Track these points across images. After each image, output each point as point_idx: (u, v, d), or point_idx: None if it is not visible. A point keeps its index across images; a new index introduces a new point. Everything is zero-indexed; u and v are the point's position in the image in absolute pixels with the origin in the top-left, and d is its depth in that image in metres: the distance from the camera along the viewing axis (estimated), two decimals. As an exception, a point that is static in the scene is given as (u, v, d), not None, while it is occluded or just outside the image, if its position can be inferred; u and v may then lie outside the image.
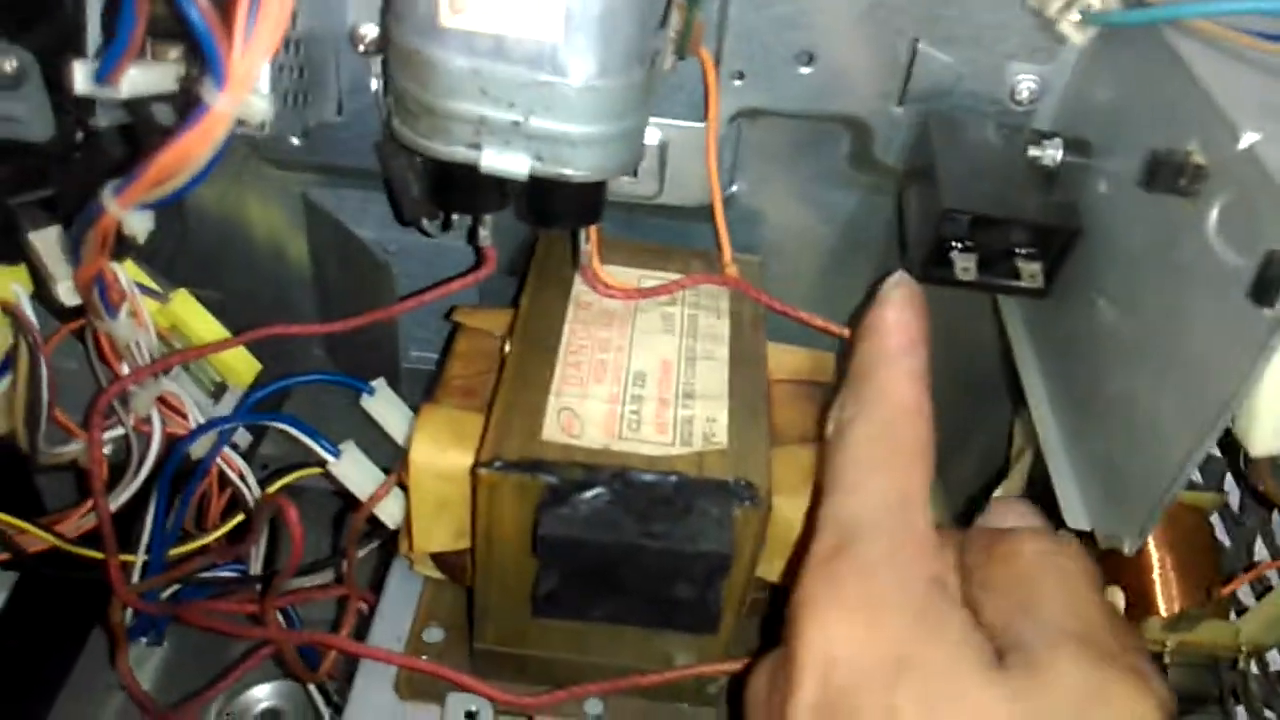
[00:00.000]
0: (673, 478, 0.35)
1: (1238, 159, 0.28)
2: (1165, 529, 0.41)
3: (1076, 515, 0.34)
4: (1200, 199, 0.30)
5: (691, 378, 0.40)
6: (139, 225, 0.33)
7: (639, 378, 0.39)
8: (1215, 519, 0.44)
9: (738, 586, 0.36)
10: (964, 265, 0.38)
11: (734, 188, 0.47)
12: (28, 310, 0.39)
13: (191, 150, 0.29)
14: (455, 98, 0.34)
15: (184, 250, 0.49)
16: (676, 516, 0.35)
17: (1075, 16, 0.32)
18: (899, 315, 0.34)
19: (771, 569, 0.38)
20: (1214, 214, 0.30)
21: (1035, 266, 0.38)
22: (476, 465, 0.35)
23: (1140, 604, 0.41)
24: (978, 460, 0.56)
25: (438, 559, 0.42)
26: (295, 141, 0.45)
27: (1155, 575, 0.41)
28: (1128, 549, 0.32)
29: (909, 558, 0.29)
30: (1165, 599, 0.41)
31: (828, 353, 0.45)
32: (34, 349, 0.39)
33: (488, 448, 0.35)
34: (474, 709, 0.39)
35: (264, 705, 0.55)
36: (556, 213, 0.39)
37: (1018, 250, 0.39)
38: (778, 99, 0.43)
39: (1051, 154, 0.38)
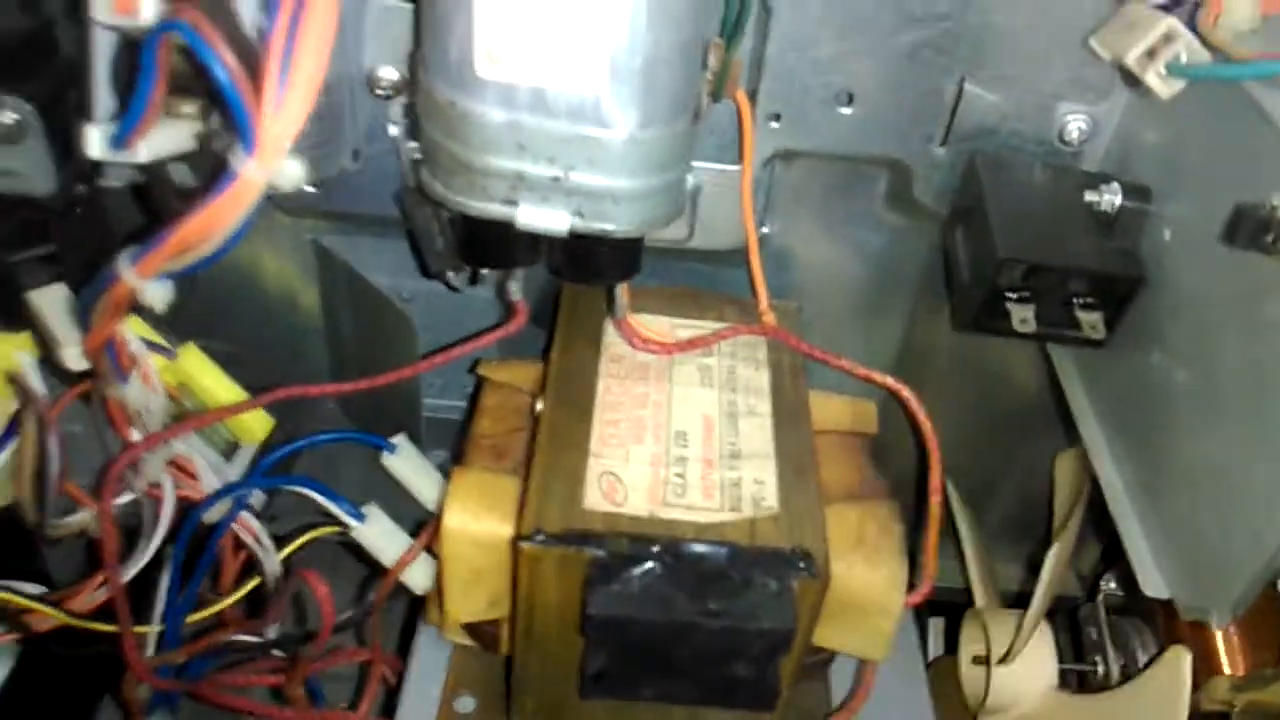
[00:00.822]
0: (725, 549, 0.33)
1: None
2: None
3: (1154, 584, 0.33)
4: (1289, 256, 0.28)
5: (735, 436, 0.38)
6: (157, 296, 0.30)
7: (680, 437, 0.37)
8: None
9: (793, 659, 0.35)
10: (1022, 317, 0.37)
11: (764, 229, 0.45)
12: (35, 383, 0.37)
13: (218, 220, 0.27)
14: (492, 152, 0.32)
15: (190, 301, 0.47)
16: (733, 592, 0.33)
17: (1161, 69, 0.30)
18: None
19: (820, 634, 0.37)
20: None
21: (1095, 316, 0.37)
22: (518, 538, 0.33)
23: (1204, 663, 0.39)
24: (1010, 502, 0.54)
25: (470, 628, 0.40)
26: (309, 189, 0.43)
27: (1218, 633, 0.40)
28: (1216, 624, 0.30)
29: None
30: (1229, 657, 0.39)
31: (869, 402, 0.43)
32: (42, 421, 0.37)
33: (528, 518, 0.33)
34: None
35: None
36: (595, 269, 0.37)
37: (1076, 299, 0.37)
38: (815, 140, 0.41)
39: (1110, 199, 0.37)
